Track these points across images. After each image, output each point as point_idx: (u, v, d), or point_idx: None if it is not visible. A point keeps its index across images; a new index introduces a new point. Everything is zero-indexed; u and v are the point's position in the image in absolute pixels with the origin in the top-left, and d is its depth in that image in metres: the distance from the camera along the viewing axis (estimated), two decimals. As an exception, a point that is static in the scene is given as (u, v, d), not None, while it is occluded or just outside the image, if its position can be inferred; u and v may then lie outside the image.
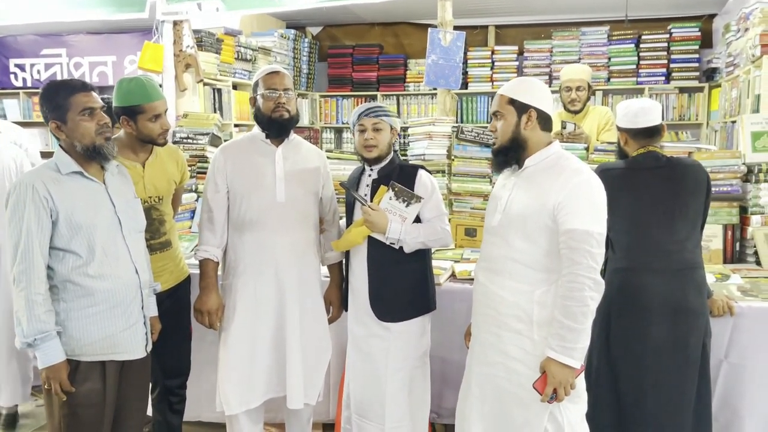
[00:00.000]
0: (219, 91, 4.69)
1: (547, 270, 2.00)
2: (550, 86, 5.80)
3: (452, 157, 3.64)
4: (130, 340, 2.15)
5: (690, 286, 2.35)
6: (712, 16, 5.65)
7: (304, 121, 6.12)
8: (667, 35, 5.54)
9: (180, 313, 2.66)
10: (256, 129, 2.58)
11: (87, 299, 2.06)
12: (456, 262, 3.17)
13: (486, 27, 6.11)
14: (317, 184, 2.61)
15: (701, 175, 2.45)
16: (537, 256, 2.01)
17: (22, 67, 6.58)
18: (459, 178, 3.61)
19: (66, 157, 2.10)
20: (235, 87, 5.01)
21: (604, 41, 5.67)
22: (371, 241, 2.45)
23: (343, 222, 2.70)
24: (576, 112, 3.81)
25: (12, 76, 6.58)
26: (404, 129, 3.63)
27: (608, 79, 5.68)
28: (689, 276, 2.36)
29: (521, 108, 2.07)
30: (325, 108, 6.42)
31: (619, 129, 2.56)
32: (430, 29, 3.77)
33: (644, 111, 2.47)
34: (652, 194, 2.38)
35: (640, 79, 5.62)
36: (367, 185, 2.52)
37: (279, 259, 2.48)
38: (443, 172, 3.65)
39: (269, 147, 2.53)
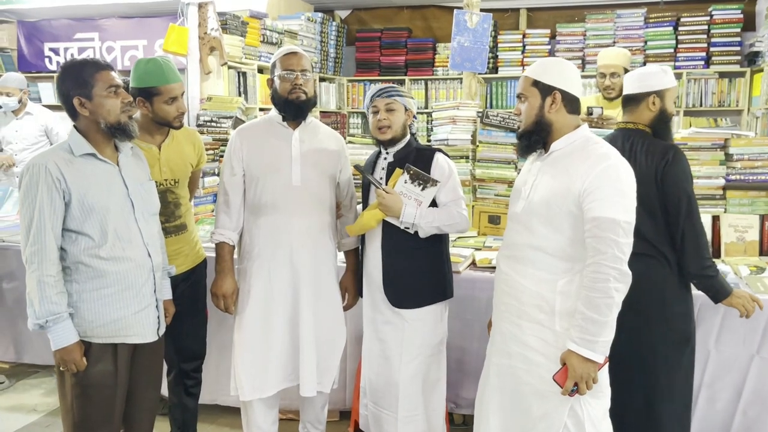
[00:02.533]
0: (244, 74, 4.67)
1: (571, 259, 1.92)
2: (583, 71, 5.64)
3: (477, 143, 3.56)
4: (142, 324, 2.14)
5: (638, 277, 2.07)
6: (755, -3, 5.41)
7: (331, 105, 6.07)
8: (708, 17, 5.32)
9: (195, 297, 2.65)
10: (273, 111, 2.54)
11: (99, 281, 2.05)
12: (477, 249, 3.10)
13: (517, 10, 5.97)
14: (334, 168, 2.56)
15: (650, 162, 2.23)
16: (561, 244, 1.93)
17: (56, 51, 6.65)
18: (483, 164, 3.53)
19: (80, 138, 2.08)
20: (260, 70, 4.98)
21: (641, 24, 5.47)
22: (386, 225, 2.40)
23: (360, 207, 2.65)
24: (612, 100, 3.67)
25: (47, 60, 6.66)
26: (428, 114, 3.55)
27: (644, 64, 5.48)
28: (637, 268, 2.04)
29: (545, 90, 1.99)
30: (353, 92, 6.35)
31: None
32: (456, 11, 3.67)
33: (629, 77, 2.40)
34: None
35: (678, 64, 5.42)
36: (383, 168, 2.47)
37: (294, 243, 2.44)
38: (467, 157, 3.57)
39: (286, 130, 2.49)
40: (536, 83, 2.01)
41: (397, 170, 2.40)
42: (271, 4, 5.21)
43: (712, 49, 5.38)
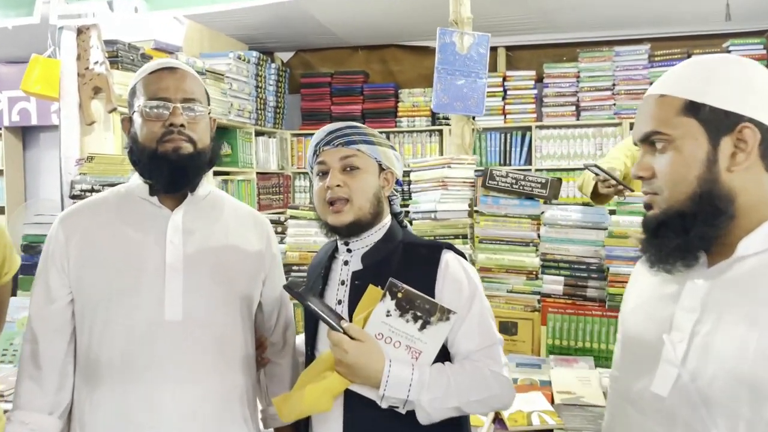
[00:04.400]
0: (146, 125, 3.46)
1: None
2: (578, 119, 4.67)
3: (476, 214, 2.45)
4: None
5: None
6: (776, 31, 4.58)
7: (271, 165, 4.90)
8: (724, 54, 4.45)
9: None
10: (135, 178, 1.36)
11: None
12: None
13: (495, 49, 4.97)
14: (250, 281, 1.39)
15: None
16: None
17: None
18: (488, 246, 2.42)
19: None
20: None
21: (644, 62, 4.55)
22: (351, 398, 1.22)
23: (301, 340, 1.48)
24: None
25: None
26: (405, 173, 2.44)
27: (651, 110, 4.54)
28: None
29: (718, 124, 0.88)
30: (298, 149, 5.21)
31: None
32: (439, 29, 2.60)
33: None
34: None
35: (691, 109, 4.49)
36: (343, 282, 1.31)
37: (170, 438, 1.23)
38: (464, 236, 2.44)
39: (157, 211, 1.32)
40: (693, 109, 0.90)
41: (372, 289, 1.24)
42: (191, 38, 4.08)
43: (731, 91, 4.48)
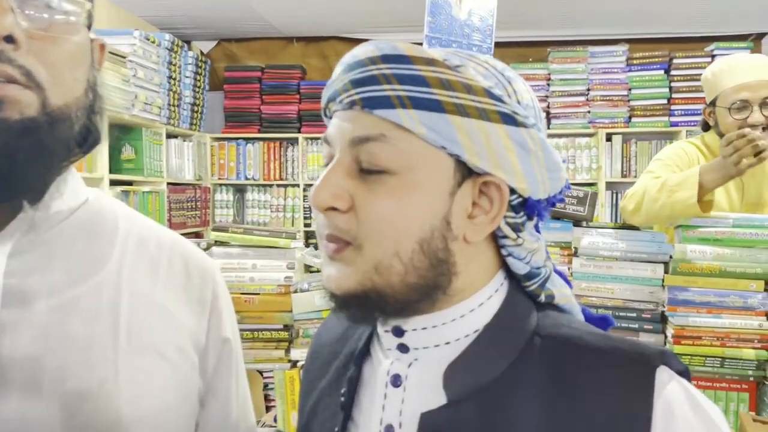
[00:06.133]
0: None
1: None
2: (549, 128, 4.09)
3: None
4: None
5: None
6: (761, 36, 4.18)
7: (186, 174, 4.03)
8: (708, 58, 4.00)
9: None
10: None
11: None
12: None
13: (452, 46, 4.38)
14: (175, 407, 0.59)
15: None
16: None
17: None
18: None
19: None
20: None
21: (622, 65, 4.04)
22: None
23: None
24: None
25: None
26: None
27: (629, 119, 4.03)
28: None
29: None
30: (220, 156, 4.36)
31: None
32: (429, -15, 1.90)
33: None
34: None
35: (674, 119, 4.00)
36: (390, 430, 0.54)
37: None
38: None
39: None
40: None
41: None
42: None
43: (715, 100, 4.04)
